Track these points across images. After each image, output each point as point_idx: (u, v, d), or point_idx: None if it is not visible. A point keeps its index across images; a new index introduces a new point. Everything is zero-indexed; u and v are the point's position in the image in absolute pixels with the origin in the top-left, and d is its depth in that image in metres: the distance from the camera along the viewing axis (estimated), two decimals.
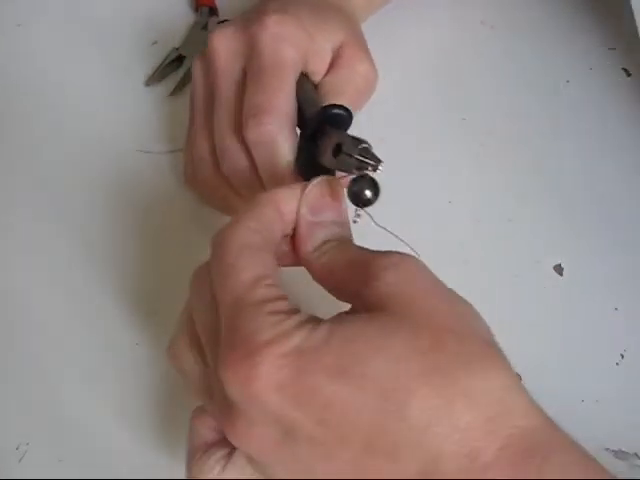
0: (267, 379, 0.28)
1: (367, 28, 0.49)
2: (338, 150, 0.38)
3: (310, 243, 0.34)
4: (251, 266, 0.31)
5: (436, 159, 0.50)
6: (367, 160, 0.36)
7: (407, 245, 0.37)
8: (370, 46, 0.47)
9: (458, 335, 0.29)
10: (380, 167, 0.36)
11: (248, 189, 0.44)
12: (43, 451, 0.42)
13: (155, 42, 0.56)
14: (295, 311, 0.30)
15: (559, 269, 0.46)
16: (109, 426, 0.43)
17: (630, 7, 0.46)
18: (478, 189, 0.49)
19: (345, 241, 0.35)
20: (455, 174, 0.50)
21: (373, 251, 0.32)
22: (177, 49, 0.55)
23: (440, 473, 0.28)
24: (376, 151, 0.36)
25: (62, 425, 0.43)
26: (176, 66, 0.55)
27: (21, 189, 0.51)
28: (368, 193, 0.36)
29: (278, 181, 0.42)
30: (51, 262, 0.48)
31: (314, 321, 0.30)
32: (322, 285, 0.34)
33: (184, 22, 0.57)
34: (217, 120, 0.44)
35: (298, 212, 0.34)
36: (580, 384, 0.43)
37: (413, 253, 0.32)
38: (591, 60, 0.54)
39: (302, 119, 0.43)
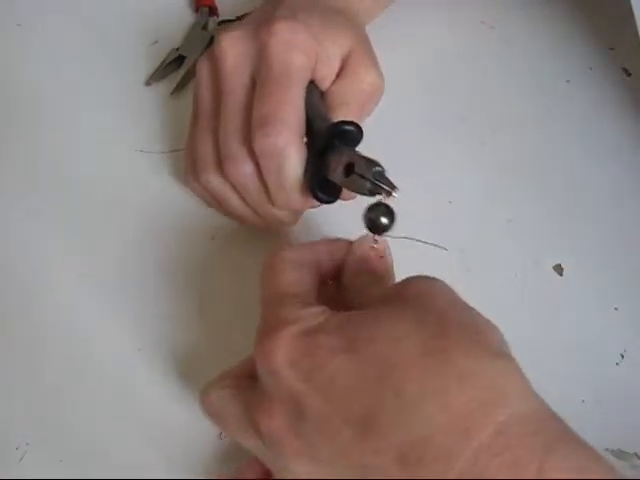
0: (283, 354, 0.32)
1: (367, 27, 0.49)
2: (350, 169, 0.38)
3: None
4: (296, 274, 0.36)
5: (436, 159, 0.50)
6: (382, 185, 0.36)
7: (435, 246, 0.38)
8: None
9: (464, 329, 0.31)
10: (395, 194, 0.36)
11: (252, 196, 0.44)
12: (43, 451, 0.42)
13: (155, 42, 0.56)
14: (319, 305, 0.34)
15: (559, 269, 0.46)
16: (109, 426, 0.43)
17: (630, 7, 0.46)
18: (478, 189, 0.49)
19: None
20: (455, 174, 0.50)
21: None
22: (177, 49, 0.55)
23: (432, 451, 0.28)
24: (389, 175, 0.37)
25: (62, 425, 0.43)
26: (176, 66, 0.55)
27: (18, 188, 0.51)
28: (384, 220, 0.37)
29: (286, 193, 0.42)
30: (48, 261, 0.48)
31: (335, 312, 0.33)
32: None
33: (184, 22, 0.57)
34: (223, 125, 0.43)
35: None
36: (580, 384, 0.43)
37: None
38: (591, 60, 0.54)
39: (310, 130, 0.42)
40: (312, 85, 0.44)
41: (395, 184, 0.36)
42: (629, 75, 0.53)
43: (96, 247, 0.48)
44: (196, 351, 0.45)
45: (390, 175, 0.37)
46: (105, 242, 0.48)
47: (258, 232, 0.47)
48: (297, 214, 0.46)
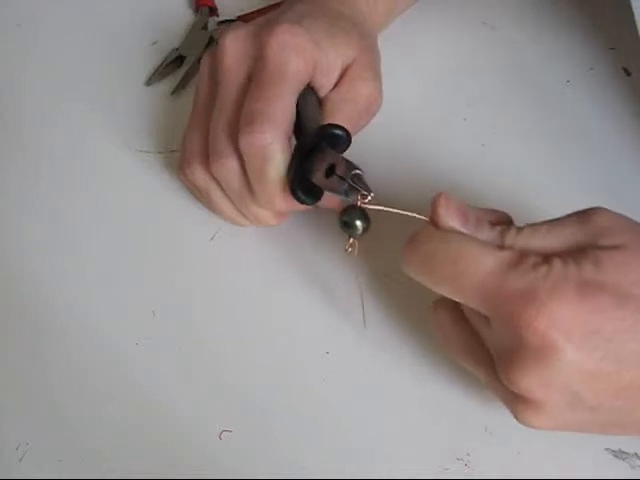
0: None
1: None
2: (331, 171, 0.38)
3: None
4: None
5: (437, 159, 0.50)
6: (358, 187, 0.36)
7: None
8: None
9: None
10: (369, 197, 0.36)
11: (235, 193, 0.44)
12: (43, 451, 0.42)
13: (155, 42, 0.56)
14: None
15: None
16: (109, 426, 0.43)
17: (630, 7, 0.46)
18: (479, 189, 0.49)
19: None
20: (455, 175, 0.50)
21: None
22: (177, 49, 0.55)
23: None
24: (368, 179, 0.36)
25: (62, 425, 0.43)
26: (176, 66, 0.55)
27: (19, 187, 0.51)
28: (359, 224, 0.37)
29: (268, 191, 0.42)
30: (48, 260, 0.48)
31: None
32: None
33: (184, 22, 0.57)
34: (215, 120, 0.44)
35: None
36: None
37: None
38: (591, 60, 0.54)
39: (301, 133, 0.42)
40: (310, 91, 0.44)
41: (370, 188, 0.37)
42: (629, 75, 0.53)
43: (94, 247, 0.48)
44: (203, 349, 0.45)
45: (390, 175, 0.37)
46: (104, 242, 0.48)
47: (257, 233, 0.47)
48: (280, 215, 0.46)
